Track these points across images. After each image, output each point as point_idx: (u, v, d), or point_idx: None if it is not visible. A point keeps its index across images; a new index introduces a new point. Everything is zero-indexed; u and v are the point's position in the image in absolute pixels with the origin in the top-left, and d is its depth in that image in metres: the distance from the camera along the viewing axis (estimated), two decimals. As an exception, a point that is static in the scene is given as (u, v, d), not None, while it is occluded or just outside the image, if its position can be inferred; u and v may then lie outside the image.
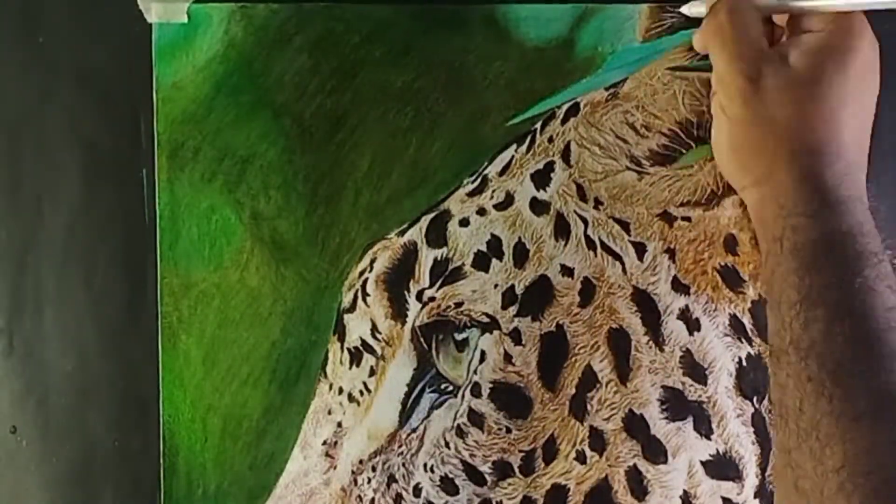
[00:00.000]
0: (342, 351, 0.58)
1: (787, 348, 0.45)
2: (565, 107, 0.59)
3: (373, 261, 0.58)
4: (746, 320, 0.58)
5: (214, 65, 0.59)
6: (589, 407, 0.56)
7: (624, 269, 0.57)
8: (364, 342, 0.58)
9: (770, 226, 0.48)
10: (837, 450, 0.42)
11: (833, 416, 0.42)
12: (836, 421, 0.42)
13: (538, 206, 0.58)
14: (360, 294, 0.58)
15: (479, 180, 0.59)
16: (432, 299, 0.57)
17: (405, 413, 0.57)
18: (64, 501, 0.58)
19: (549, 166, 0.58)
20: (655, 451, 0.56)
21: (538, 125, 0.59)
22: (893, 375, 0.42)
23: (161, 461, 0.58)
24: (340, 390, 0.58)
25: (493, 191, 0.59)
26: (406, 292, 0.58)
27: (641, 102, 0.58)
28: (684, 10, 0.55)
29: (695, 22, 0.53)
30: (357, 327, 0.58)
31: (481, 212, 0.58)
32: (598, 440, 0.56)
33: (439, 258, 0.58)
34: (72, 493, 0.58)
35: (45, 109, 0.59)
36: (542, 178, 0.58)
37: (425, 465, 0.57)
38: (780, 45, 0.49)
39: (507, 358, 0.56)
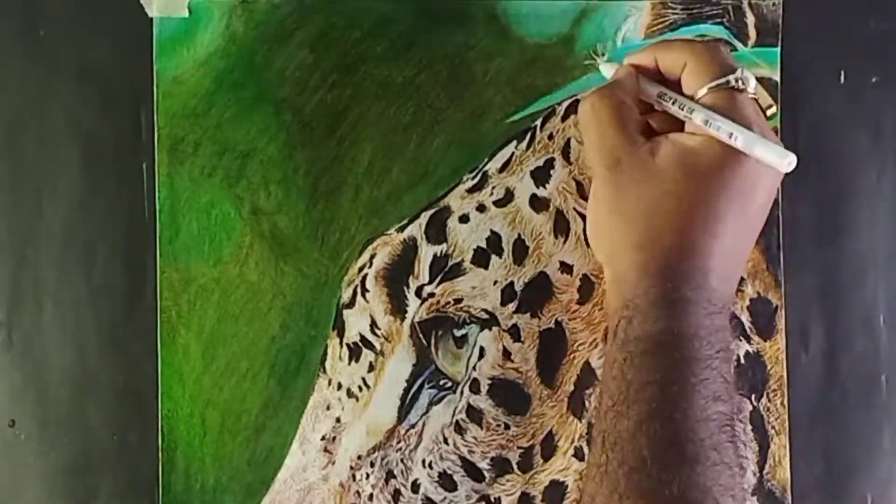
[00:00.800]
0: (341, 346, 0.58)
1: (597, 437, 0.44)
2: (566, 104, 0.59)
3: (372, 256, 0.58)
4: (745, 318, 0.58)
5: (215, 59, 0.59)
6: (587, 404, 0.56)
7: (623, 267, 0.57)
8: (363, 338, 0.58)
9: (609, 314, 0.47)
10: None
11: None
12: None
13: (538, 203, 0.58)
14: (359, 290, 0.58)
15: (479, 177, 0.59)
16: (432, 295, 0.57)
17: (404, 409, 0.57)
18: (62, 495, 0.58)
19: (549, 163, 0.58)
20: (654, 448, 0.56)
21: (538, 122, 0.59)
22: (689, 483, 0.41)
23: (159, 455, 0.58)
24: (339, 386, 0.58)
25: (493, 187, 0.59)
26: (405, 288, 0.58)
27: (642, 100, 0.58)
28: (601, 67, 0.54)
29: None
30: (356, 323, 0.58)
31: (481, 208, 0.58)
32: (596, 437, 0.56)
33: (439, 254, 0.58)
34: (70, 487, 0.58)
35: (46, 103, 0.59)
36: (541, 175, 0.58)
37: (424, 461, 0.57)
38: (654, 140, 0.47)
39: (506, 354, 0.56)
